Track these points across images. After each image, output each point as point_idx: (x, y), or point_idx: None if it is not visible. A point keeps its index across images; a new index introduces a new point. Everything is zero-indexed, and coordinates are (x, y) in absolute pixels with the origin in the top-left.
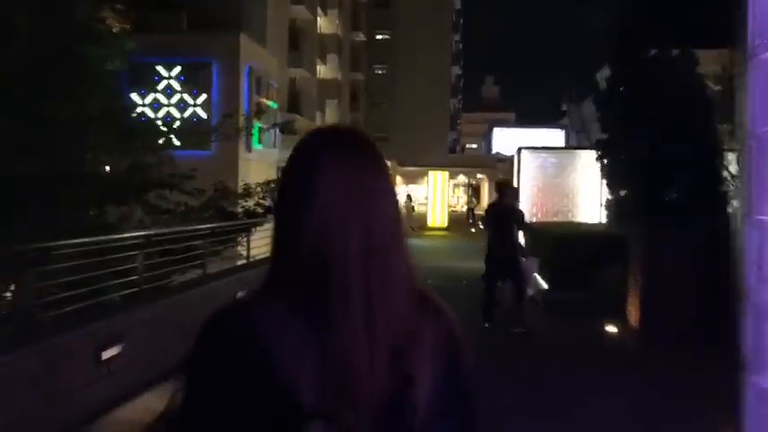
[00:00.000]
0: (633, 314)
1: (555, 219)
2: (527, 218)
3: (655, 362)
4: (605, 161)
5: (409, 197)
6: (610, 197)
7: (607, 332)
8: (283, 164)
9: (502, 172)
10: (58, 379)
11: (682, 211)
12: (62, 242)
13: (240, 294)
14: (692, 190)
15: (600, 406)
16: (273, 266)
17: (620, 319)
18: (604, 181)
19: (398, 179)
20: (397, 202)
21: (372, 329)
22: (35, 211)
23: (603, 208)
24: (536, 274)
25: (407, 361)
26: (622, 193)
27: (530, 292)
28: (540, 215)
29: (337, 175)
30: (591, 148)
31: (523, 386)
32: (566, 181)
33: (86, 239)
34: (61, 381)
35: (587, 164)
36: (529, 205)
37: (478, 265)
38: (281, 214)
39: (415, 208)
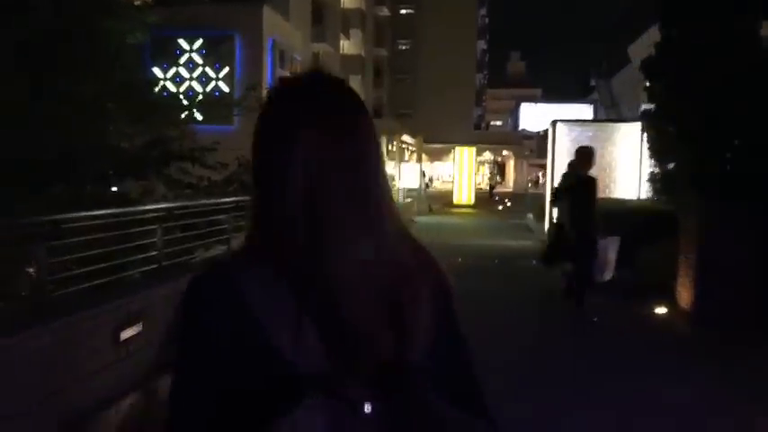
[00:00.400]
0: (684, 295)
1: None
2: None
3: (708, 347)
4: (651, 133)
5: (423, 173)
6: (656, 170)
7: (655, 314)
8: None
9: (528, 149)
10: (73, 361)
11: (740, 184)
12: (74, 215)
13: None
14: (752, 161)
15: (654, 394)
16: (255, 227)
17: (668, 300)
18: (647, 154)
19: (423, 156)
20: (383, 162)
21: (365, 274)
22: (55, 186)
23: (648, 182)
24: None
25: (401, 309)
26: (670, 165)
27: (607, 276)
28: None
29: (317, 146)
30: (633, 120)
31: (573, 372)
32: (603, 155)
33: (101, 212)
34: (77, 362)
35: (626, 137)
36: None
37: (509, 243)
38: (259, 175)
39: (433, 185)
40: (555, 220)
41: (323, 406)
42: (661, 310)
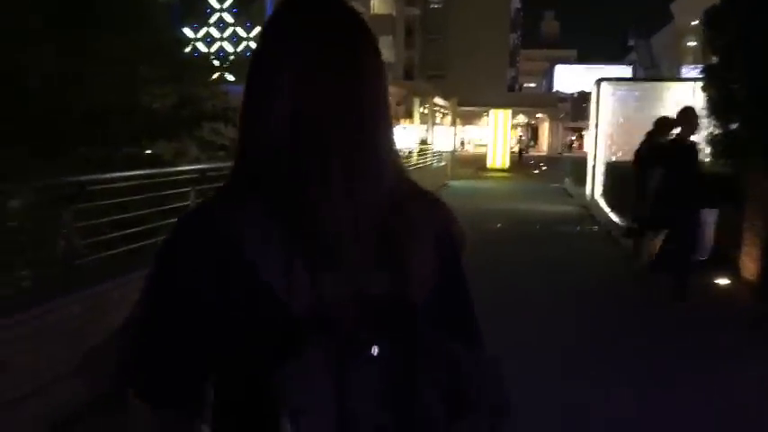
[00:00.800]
0: (749, 266)
1: None
2: (607, 157)
3: None
4: (711, 91)
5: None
6: (717, 131)
7: (717, 286)
8: None
9: (563, 111)
10: (103, 332)
11: None
12: (102, 176)
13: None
14: None
15: (718, 375)
16: (241, 161)
17: (731, 271)
18: (704, 114)
19: (457, 120)
20: (385, 85)
21: (354, 206)
22: (85, 148)
23: (706, 144)
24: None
25: (402, 251)
26: (733, 126)
27: (704, 254)
28: (620, 154)
29: (311, 55)
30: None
31: (634, 352)
32: (650, 116)
33: (130, 173)
34: (107, 333)
35: (676, 96)
36: (609, 143)
37: (548, 208)
38: (247, 102)
39: (465, 149)
40: (643, 193)
41: (328, 348)
42: (723, 282)
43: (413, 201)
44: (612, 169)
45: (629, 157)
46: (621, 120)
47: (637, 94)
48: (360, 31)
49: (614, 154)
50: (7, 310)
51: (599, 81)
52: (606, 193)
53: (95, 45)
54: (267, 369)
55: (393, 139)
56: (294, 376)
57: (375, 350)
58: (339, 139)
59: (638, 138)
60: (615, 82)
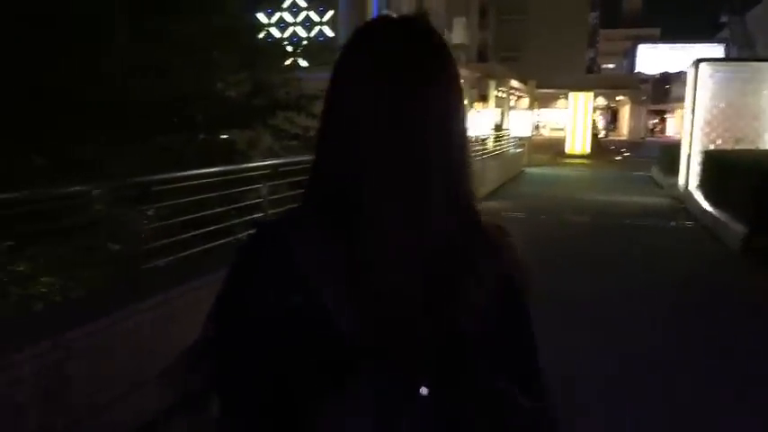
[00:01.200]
0: None
1: (737, 147)
2: (705, 145)
3: None
4: None
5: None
6: None
7: None
8: None
9: (645, 93)
10: (172, 341)
11: None
12: (168, 175)
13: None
14: None
15: None
16: (314, 184)
17: None
18: None
19: (535, 103)
20: (462, 128)
21: (406, 246)
22: (162, 136)
23: None
24: None
25: (455, 293)
26: None
27: None
28: (720, 142)
29: (383, 101)
30: None
31: (722, 358)
32: (756, 101)
33: (199, 171)
34: (177, 343)
35: None
36: (706, 130)
37: (636, 199)
38: (324, 130)
39: (540, 133)
40: None
41: (375, 382)
42: None
43: (477, 240)
44: (711, 159)
45: (732, 145)
46: (722, 104)
47: (741, 75)
48: (439, 69)
49: (713, 142)
50: (78, 318)
51: (697, 62)
52: (703, 185)
53: (170, 30)
54: (311, 396)
55: (467, 180)
56: (339, 407)
57: (424, 390)
58: (394, 178)
59: (740, 124)
60: (716, 63)
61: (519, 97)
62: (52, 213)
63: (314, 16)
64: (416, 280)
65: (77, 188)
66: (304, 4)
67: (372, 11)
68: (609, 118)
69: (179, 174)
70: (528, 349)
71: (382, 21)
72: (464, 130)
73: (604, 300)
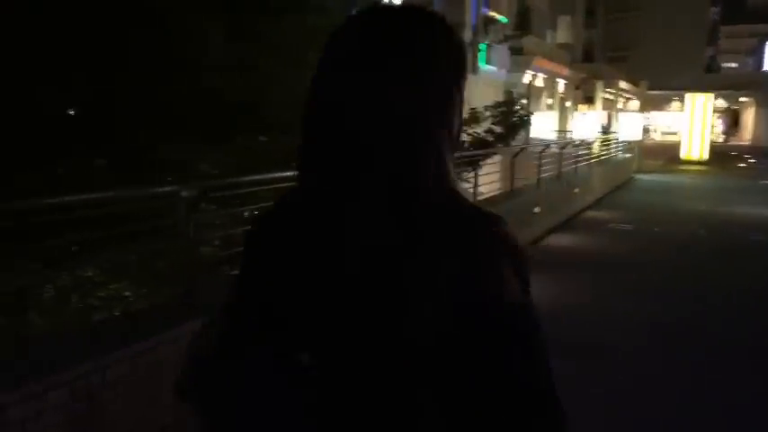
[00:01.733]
0: None
1: None
2: None
3: None
4: None
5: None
6: None
7: None
8: (512, 87)
9: None
10: None
11: None
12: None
13: None
14: None
15: None
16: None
17: None
18: None
19: (639, 105)
20: (415, 111)
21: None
22: (242, 136)
23: None
24: None
25: (399, 275)
26: None
27: None
28: None
29: (329, 84)
30: None
31: None
32: None
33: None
34: None
35: None
36: None
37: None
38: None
39: (650, 137)
40: None
41: (260, 353)
42: None
43: (432, 232)
44: None
45: None
46: None
47: None
48: (403, 50)
49: None
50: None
51: None
52: None
53: (263, 29)
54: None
55: (426, 161)
56: (231, 371)
57: (305, 359)
58: (339, 161)
59: None
60: None
61: (628, 99)
62: (136, 215)
63: None
64: (358, 265)
65: (166, 189)
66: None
67: (471, 7)
68: (728, 121)
69: (265, 176)
70: (496, 385)
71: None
72: (420, 112)
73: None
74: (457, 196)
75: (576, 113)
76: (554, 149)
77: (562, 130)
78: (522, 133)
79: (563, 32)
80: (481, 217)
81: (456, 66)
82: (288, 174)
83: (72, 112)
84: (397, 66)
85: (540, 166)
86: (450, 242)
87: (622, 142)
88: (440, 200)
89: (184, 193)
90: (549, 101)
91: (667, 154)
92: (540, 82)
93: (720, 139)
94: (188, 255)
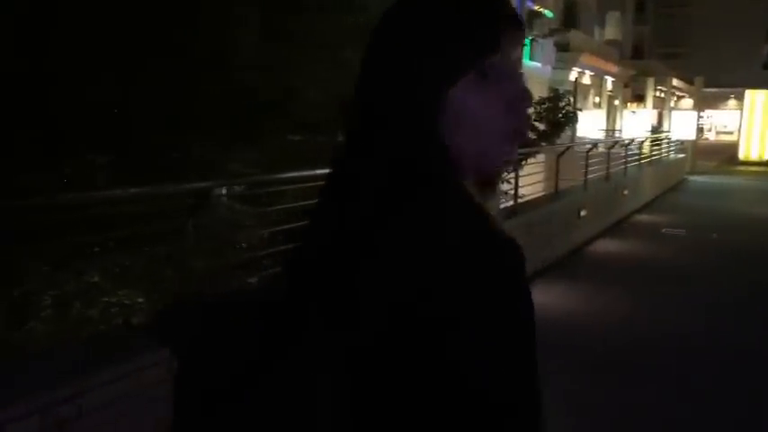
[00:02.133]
0: None
1: None
2: None
3: None
4: None
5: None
6: None
7: None
8: (557, 85)
9: None
10: None
11: None
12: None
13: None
14: None
15: None
16: None
17: None
18: None
19: (692, 103)
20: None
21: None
22: (271, 135)
23: None
24: None
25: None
26: None
27: None
28: None
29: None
30: None
31: None
32: None
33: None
34: None
35: None
36: None
37: None
38: None
39: (704, 137)
40: None
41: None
42: None
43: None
44: None
45: None
46: None
47: None
48: (404, 21)
49: None
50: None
51: None
52: None
53: (299, 29)
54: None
55: (418, 127)
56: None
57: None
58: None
59: None
60: None
61: (680, 97)
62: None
63: None
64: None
65: (199, 185)
66: None
67: (515, 1)
68: None
69: (293, 174)
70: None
71: None
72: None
73: None
74: (460, 187)
75: (625, 112)
76: (602, 149)
77: (610, 129)
78: (567, 131)
79: (612, 29)
80: (471, 218)
81: (481, 41)
82: (319, 172)
83: (102, 113)
84: (408, 36)
85: (587, 166)
86: (417, 231)
87: (675, 142)
88: (431, 189)
89: (216, 191)
90: (597, 99)
91: (723, 154)
92: (587, 79)
93: None
94: (205, 257)
